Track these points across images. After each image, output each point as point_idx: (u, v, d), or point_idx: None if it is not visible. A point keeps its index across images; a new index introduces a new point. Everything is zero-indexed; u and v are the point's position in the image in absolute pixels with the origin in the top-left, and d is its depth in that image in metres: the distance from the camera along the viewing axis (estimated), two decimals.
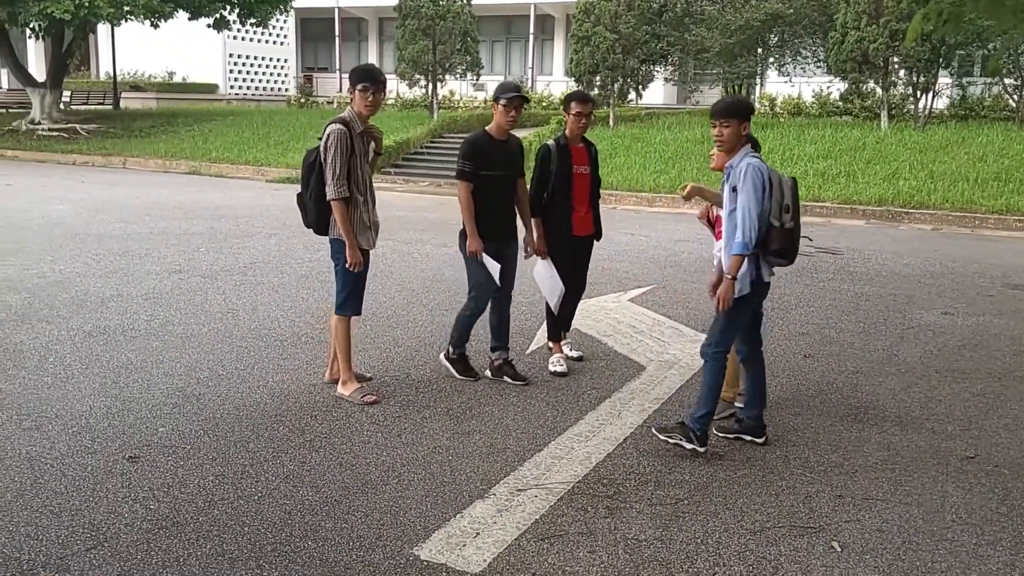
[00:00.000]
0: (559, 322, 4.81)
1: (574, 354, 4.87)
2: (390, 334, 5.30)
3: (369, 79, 3.92)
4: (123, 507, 2.99)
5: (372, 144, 4.04)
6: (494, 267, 4.26)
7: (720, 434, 3.83)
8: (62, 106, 21.31)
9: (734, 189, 3.45)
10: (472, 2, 19.46)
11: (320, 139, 3.93)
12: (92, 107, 23.95)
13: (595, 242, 4.82)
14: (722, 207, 4.06)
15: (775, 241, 3.43)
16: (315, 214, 3.99)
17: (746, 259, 3.44)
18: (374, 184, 4.15)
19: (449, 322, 4.66)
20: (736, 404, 4.09)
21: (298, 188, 4.13)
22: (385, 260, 7.45)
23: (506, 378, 4.43)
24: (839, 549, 2.85)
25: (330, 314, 4.30)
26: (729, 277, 3.44)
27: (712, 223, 4.15)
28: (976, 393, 4.50)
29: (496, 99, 4.22)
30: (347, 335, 4.13)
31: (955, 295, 6.89)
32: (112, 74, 24.56)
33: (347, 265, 3.97)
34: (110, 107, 23.93)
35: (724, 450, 3.66)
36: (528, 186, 4.55)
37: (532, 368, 4.67)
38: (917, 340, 5.53)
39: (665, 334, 5.52)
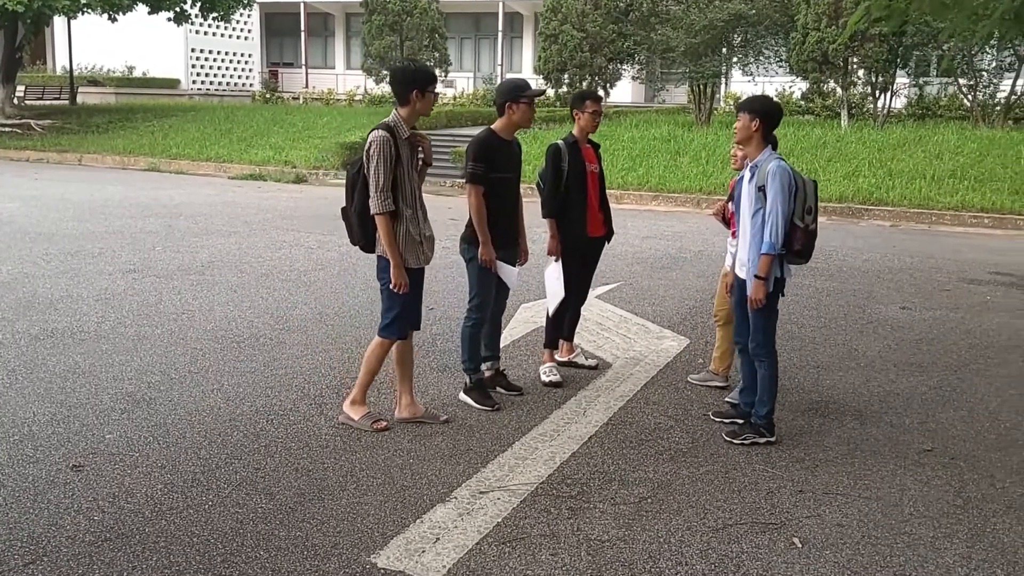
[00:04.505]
0: (565, 330, 4.64)
1: (591, 362, 4.67)
2: (352, 333, 5.19)
3: (434, 80, 3.64)
4: (65, 519, 2.86)
5: (420, 152, 3.67)
6: (512, 274, 4.05)
7: (716, 419, 3.93)
8: (16, 101, 20.62)
9: (760, 189, 3.53)
10: None
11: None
12: (47, 102, 23.23)
13: (606, 243, 4.64)
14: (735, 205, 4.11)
15: (798, 241, 3.52)
16: (360, 230, 3.62)
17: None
18: (423, 194, 3.74)
19: None
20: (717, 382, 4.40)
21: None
22: (350, 257, 7.33)
23: (499, 389, 4.24)
24: (800, 545, 2.85)
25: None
26: (760, 277, 3.54)
27: (727, 220, 4.20)
28: (933, 386, 4.57)
29: (516, 98, 3.90)
30: (380, 359, 3.74)
31: (913, 290, 7.02)
32: (69, 68, 23.83)
33: (392, 287, 3.59)
34: (66, 102, 23.24)
35: (687, 447, 3.65)
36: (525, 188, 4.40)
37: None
38: (876, 334, 5.61)
39: (631, 331, 5.51)
